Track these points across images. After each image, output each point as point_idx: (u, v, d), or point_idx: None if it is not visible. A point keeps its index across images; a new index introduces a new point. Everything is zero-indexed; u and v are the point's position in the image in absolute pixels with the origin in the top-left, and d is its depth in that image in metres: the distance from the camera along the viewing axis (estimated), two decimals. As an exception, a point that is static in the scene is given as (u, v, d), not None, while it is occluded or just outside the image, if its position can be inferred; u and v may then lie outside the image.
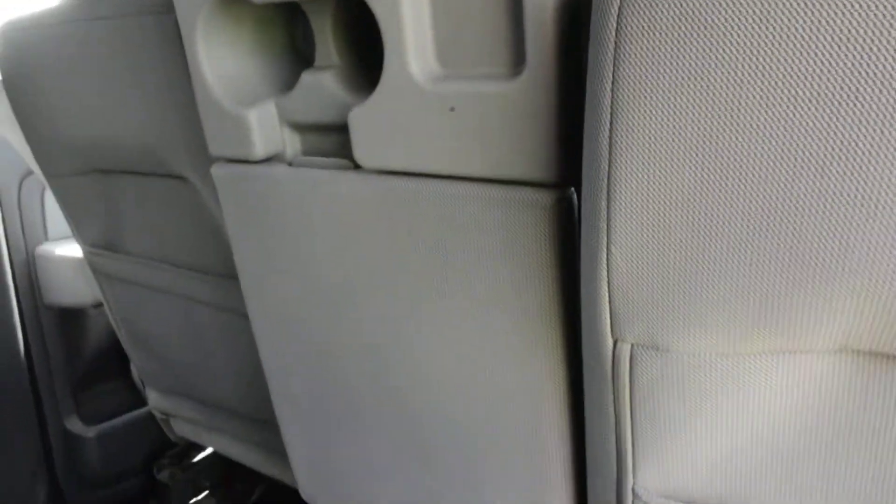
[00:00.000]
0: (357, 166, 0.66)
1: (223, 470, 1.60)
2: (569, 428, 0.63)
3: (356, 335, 0.74)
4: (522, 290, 0.60)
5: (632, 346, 0.50)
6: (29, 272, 1.46)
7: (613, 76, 0.42)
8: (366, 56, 0.69)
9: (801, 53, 0.37)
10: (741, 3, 0.37)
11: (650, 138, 0.42)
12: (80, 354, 1.55)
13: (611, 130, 0.44)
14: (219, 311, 1.11)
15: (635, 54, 0.41)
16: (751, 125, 0.39)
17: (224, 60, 0.72)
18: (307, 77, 0.67)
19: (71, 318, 1.52)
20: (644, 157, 0.43)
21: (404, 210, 0.63)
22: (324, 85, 0.66)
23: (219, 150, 0.75)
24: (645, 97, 0.42)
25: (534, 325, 0.61)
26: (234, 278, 1.03)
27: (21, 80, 1.09)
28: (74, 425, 1.53)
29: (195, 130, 0.87)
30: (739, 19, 0.38)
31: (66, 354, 1.52)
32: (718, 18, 0.38)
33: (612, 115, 0.43)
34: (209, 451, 1.64)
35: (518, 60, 0.55)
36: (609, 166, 0.45)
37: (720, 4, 0.38)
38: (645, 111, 0.42)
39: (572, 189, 0.56)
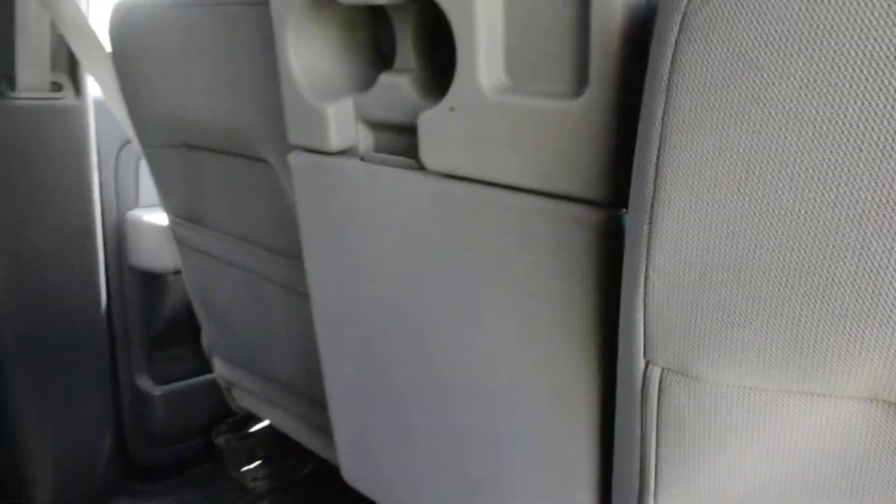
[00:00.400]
0: (422, 167, 0.68)
1: (277, 443, 1.66)
2: (598, 442, 0.64)
3: (406, 328, 0.77)
4: (566, 303, 0.61)
5: (662, 370, 0.50)
6: (118, 234, 1.54)
7: (666, 104, 0.43)
8: (442, 62, 0.71)
9: (849, 102, 0.37)
10: (792, 49, 0.38)
11: (696, 166, 0.43)
12: (156, 317, 1.63)
13: (658, 156, 0.45)
14: (284, 290, 1.16)
15: (687, 85, 0.42)
16: (793, 166, 0.40)
17: (310, 56, 0.75)
18: (385, 78, 0.70)
19: (151, 282, 1.60)
20: (688, 185, 0.44)
21: (461, 214, 0.65)
22: (399, 87, 0.69)
23: (297, 139, 0.79)
24: (694, 127, 0.42)
25: (574, 339, 0.62)
26: (301, 259, 1.08)
27: (127, 55, 1.15)
28: (144, 383, 1.62)
29: (279, 118, 0.91)
30: (789, 64, 0.38)
31: (144, 316, 1.61)
32: (769, 60, 0.39)
33: (661, 141, 0.44)
34: (265, 423, 1.70)
35: (582, 80, 0.56)
36: (654, 190, 0.46)
37: (772, 46, 0.38)
38: (693, 140, 0.43)
39: (624, 211, 0.57)
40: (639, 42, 0.53)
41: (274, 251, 1.13)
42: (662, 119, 0.44)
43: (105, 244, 1.50)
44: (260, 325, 1.26)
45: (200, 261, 1.32)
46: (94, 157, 1.42)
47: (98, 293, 1.49)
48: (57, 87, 1.36)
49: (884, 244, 0.38)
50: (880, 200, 0.37)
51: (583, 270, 0.59)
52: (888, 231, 0.38)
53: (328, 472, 1.60)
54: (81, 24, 1.29)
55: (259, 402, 1.43)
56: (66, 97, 1.36)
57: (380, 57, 0.78)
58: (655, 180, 0.45)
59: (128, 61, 1.16)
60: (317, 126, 0.75)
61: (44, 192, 1.37)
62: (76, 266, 1.45)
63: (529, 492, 0.72)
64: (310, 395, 1.24)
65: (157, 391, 1.62)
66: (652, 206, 0.46)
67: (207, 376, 1.66)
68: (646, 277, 0.48)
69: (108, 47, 1.24)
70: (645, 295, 0.49)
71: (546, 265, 0.61)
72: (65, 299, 1.45)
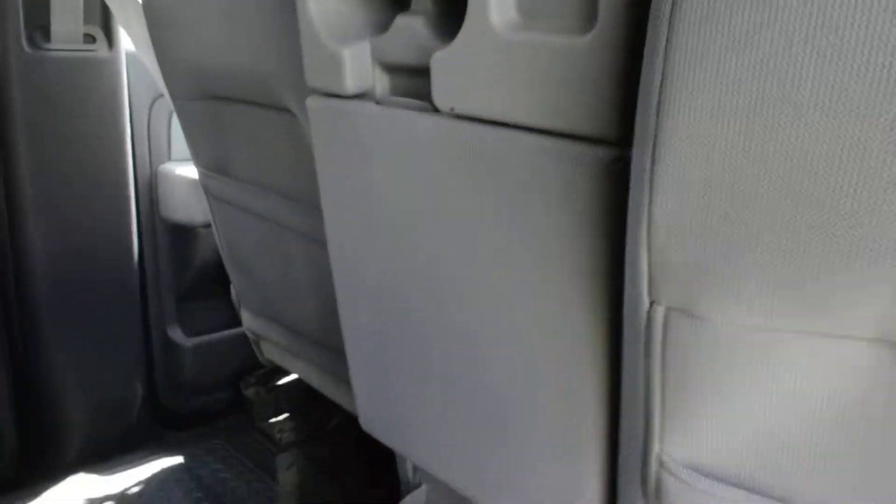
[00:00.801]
0: (436, 110, 0.68)
1: (303, 396, 1.68)
2: (605, 389, 0.64)
3: (420, 272, 0.77)
4: (576, 243, 0.61)
5: (666, 309, 0.50)
6: (150, 187, 1.57)
7: (669, 34, 0.42)
8: (458, 3, 0.71)
9: (853, 26, 0.36)
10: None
11: (698, 98, 0.42)
12: (188, 269, 1.66)
13: (661, 89, 0.44)
14: (305, 240, 1.16)
15: (690, 14, 0.41)
16: (797, 94, 0.38)
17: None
18: (401, 20, 0.69)
19: (183, 235, 1.63)
20: (690, 117, 0.43)
21: (472, 155, 0.65)
22: (414, 28, 0.68)
23: (314, 83, 0.79)
24: (696, 57, 0.41)
25: (582, 280, 0.61)
26: (321, 209, 1.08)
27: (158, 5, 1.16)
28: (175, 333, 1.65)
29: (297, 62, 0.91)
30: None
31: (175, 268, 1.63)
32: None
33: (663, 74, 0.43)
34: (293, 376, 1.73)
35: (591, 16, 0.55)
36: (657, 125, 0.45)
37: None
38: (695, 71, 0.41)
39: (630, 150, 0.56)
40: None
41: (297, 200, 1.14)
42: (665, 50, 0.43)
43: (137, 197, 1.52)
44: (284, 276, 1.28)
45: (228, 213, 1.34)
46: (126, 111, 1.44)
47: (130, 245, 1.52)
48: (90, 38, 1.37)
49: (890, 174, 0.37)
50: (885, 128, 0.36)
51: (591, 210, 0.58)
52: (894, 160, 0.36)
53: (354, 425, 1.62)
54: (112, -25, 1.30)
55: (286, 355, 1.45)
56: (100, 49, 1.37)
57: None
58: (658, 114, 0.44)
59: (158, 12, 1.17)
60: (333, 69, 0.74)
61: (77, 144, 1.39)
62: (109, 218, 1.48)
63: (539, 437, 0.72)
64: (333, 346, 1.26)
65: (188, 342, 1.65)
66: (654, 141, 0.45)
67: (237, 329, 1.69)
68: (649, 214, 0.47)
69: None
70: (648, 232, 0.48)
71: (555, 205, 0.61)
72: (98, 251, 1.48)
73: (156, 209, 1.58)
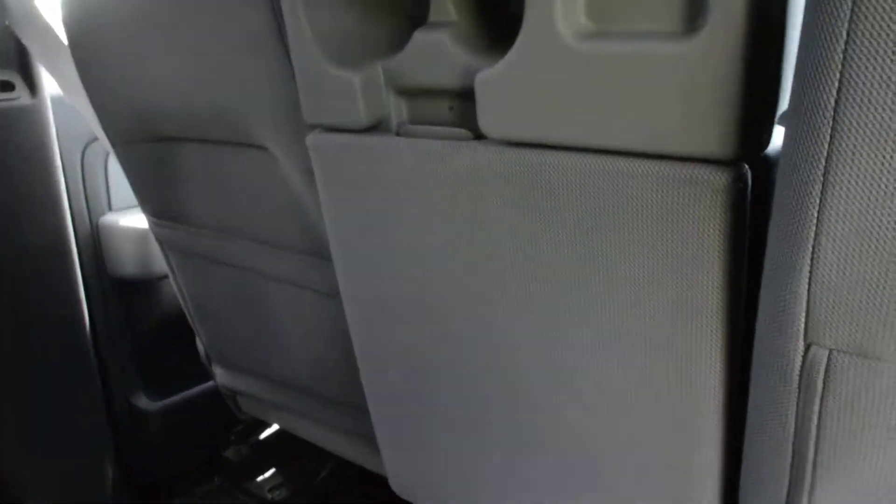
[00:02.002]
0: (478, 136, 0.58)
1: (289, 448, 1.57)
2: (721, 440, 0.56)
3: (473, 324, 0.67)
4: (678, 279, 0.52)
5: (830, 351, 0.42)
6: (93, 244, 1.42)
7: (848, 30, 0.34)
8: (484, 10, 0.61)
9: None
10: None
11: (891, 112, 0.34)
12: (145, 328, 1.52)
13: (837, 101, 0.35)
14: (289, 286, 1.05)
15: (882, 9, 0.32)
16: None
17: (324, 17, 0.64)
18: (420, 36, 0.59)
19: (135, 290, 1.48)
20: (880, 135, 0.34)
21: (539, 186, 0.55)
22: (440, 45, 0.58)
23: (316, 118, 0.68)
24: (888, 57, 0.33)
25: (687, 319, 0.53)
26: (311, 254, 0.97)
27: (88, 43, 1.03)
28: (140, 400, 1.50)
29: (280, 97, 0.80)
30: None
31: (131, 327, 1.49)
32: None
33: (840, 81, 0.35)
34: (275, 427, 1.60)
35: (693, 14, 0.46)
36: (830, 145, 0.36)
37: None
38: (889, 78, 0.33)
39: (746, 167, 0.48)
40: None
41: (278, 246, 1.03)
42: (844, 50, 0.34)
43: (80, 254, 1.37)
44: (263, 327, 1.16)
45: (189, 263, 1.21)
46: (58, 161, 1.29)
47: (79, 308, 1.37)
48: (8, 86, 1.22)
49: None
50: None
51: (697, 239, 0.50)
52: None
53: (347, 471, 1.51)
54: (31, 12, 1.15)
55: (268, 408, 1.33)
56: (21, 97, 1.22)
57: (404, 12, 0.67)
58: (832, 131, 0.36)
59: (89, 50, 1.04)
60: (340, 99, 0.64)
61: (8, 204, 1.24)
62: (53, 281, 1.32)
63: (631, 500, 0.63)
64: (324, 394, 1.15)
65: (155, 406, 1.51)
66: (827, 161, 0.36)
67: (206, 384, 1.55)
68: (815, 246, 0.39)
69: (63, 37, 1.11)
70: (812, 266, 0.39)
71: (651, 236, 0.52)
72: (44, 319, 1.33)
73: (102, 266, 1.43)
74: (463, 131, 0.59)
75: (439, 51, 0.59)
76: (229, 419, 1.47)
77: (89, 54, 1.04)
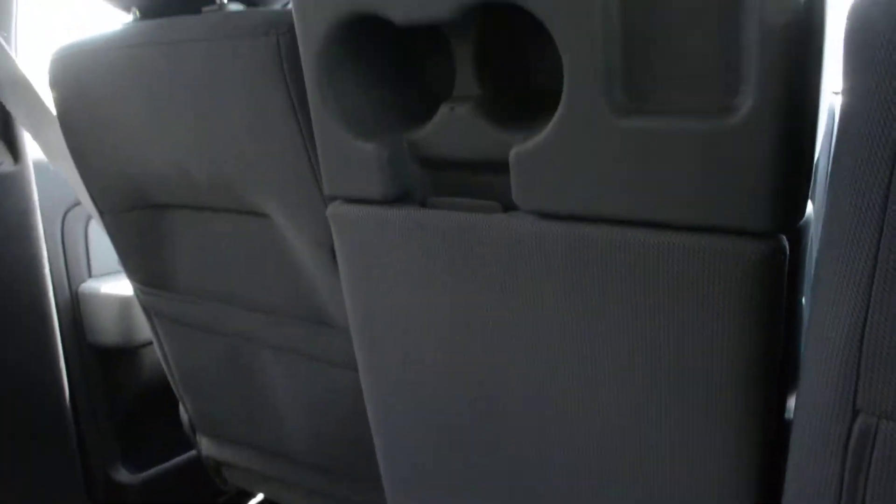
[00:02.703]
0: (507, 208, 0.58)
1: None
2: None
3: (506, 393, 0.66)
4: (717, 345, 0.52)
5: (879, 419, 0.42)
6: (73, 311, 1.38)
7: None
8: (507, 83, 0.62)
9: None
10: None
11: None
12: (126, 397, 1.47)
13: (891, 178, 0.36)
14: (290, 355, 1.03)
15: None
16: None
17: (348, 90, 0.64)
18: (445, 109, 0.60)
19: (115, 358, 1.44)
20: None
21: (574, 259, 0.55)
22: (465, 118, 0.58)
23: (338, 189, 0.67)
24: None
25: (724, 390, 0.53)
26: (312, 321, 0.96)
27: (78, 111, 1.01)
28: (119, 473, 1.45)
29: (288, 167, 0.79)
30: None
31: (111, 397, 1.44)
32: None
33: (893, 160, 0.36)
34: (260, 497, 1.55)
35: (730, 92, 0.47)
36: (883, 223, 0.37)
37: None
38: None
39: (784, 238, 0.48)
40: (808, 34, 0.44)
41: (273, 313, 1.01)
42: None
43: (60, 322, 1.33)
44: (256, 396, 1.13)
45: (178, 331, 1.18)
46: (40, 228, 1.26)
47: (58, 377, 1.33)
48: (-9, 154, 1.20)
49: None
50: None
51: (739, 309, 0.50)
52: None
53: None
54: (17, 78, 1.13)
55: (256, 479, 1.29)
56: (3, 163, 1.20)
57: (426, 84, 0.68)
58: (885, 208, 0.36)
59: (79, 119, 1.02)
60: (363, 171, 0.64)
61: (-12, 273, 1.20)
62: (31, 349, 1.28)
63: None
64: (320, 465, 1.12)
65: (135, 479, 1.45)
66: (880, 239, 0.37)
67: (188, 455, 1.50)
68: (867, 318, 0.39)
69: (50, 103, 1.09)
70: (864, 337, 0.40)
71: (689, 307, 0.52)
72: (22, 387, 1.28)
73: (81, 333, 1.39)
74: (493, 203, 0.59)
75: (464, 124, 0.59)
76: (211, 491, 1.42)
77: (79, 122, 1.03)
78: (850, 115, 0.40)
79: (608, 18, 0.49)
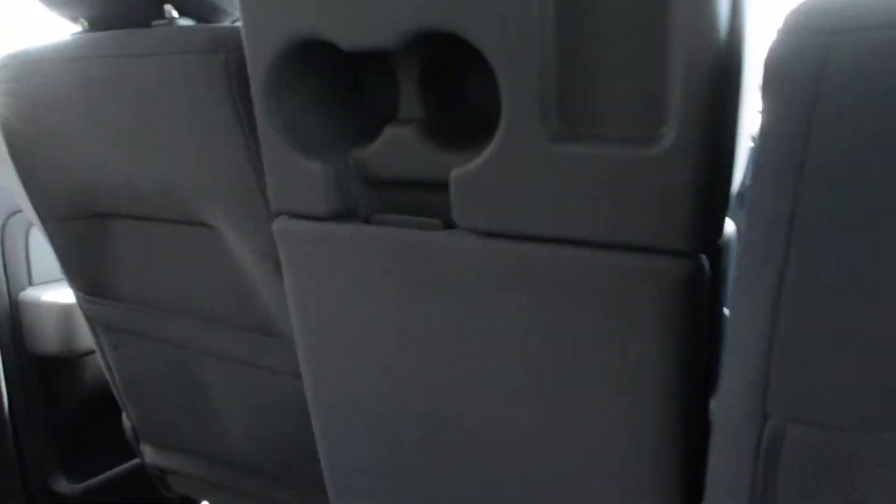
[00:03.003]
0: (449, 226, 0.61)
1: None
2: None
3: (439, 409, 0.69)
4: (641, 358, 0.56)
5: (788, 422, 0.46)
6: (12, 319, 1.36)
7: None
8: (450, 105, 0.65)
9: None
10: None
11: (851, 200, 0.39)
12: (65, 406, 1.45)
13: (796, 195, 0.41)
14: (235, 364, 1.05)
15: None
16: None
17: (295, 108, 0.67)
18: (390, 131, 0.63)
19: (55, 367, 1.43)
20: (838, 228, 0.40)
21: (510, 275, 0.59)
22: (409, 140, 0.62)
23: (284, 205, 0.69)
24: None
25: (649, 402, 0.57)
26: (256, 331, 0.97)
27: (21, 119, 1.01)
28: (59, 483, 1.43)
29: (234, 179, 0.81)
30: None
31: (50, 406, 1.43)
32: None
33: (802, 167, 0.40)
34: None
35: (656, 122, 0.51)
36: (789, 231, 0.41)
37: None
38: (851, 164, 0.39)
39: (703, 257, 0.53)
40: (727, 72, 0.49)
41: (217, 322, 1.02)
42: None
43: (-1, 331, 1.32)
44: (201, 404, 1.14)
45: (120, 339, 1.18)
46: (-21, 235, 1.25)
47: (-4, 388, 1.31)
48: (-72, 159, 1.18)
49: None
50: None
51: (661, 323, 0.54)
52: None
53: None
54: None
55: (200, 486, 1.29)
56: (-59, 170, 1.18)
57: (371, 104, 0.70)
58: (792, 215, 0.41)
59: (20, 126, 1.02)
60: (309, 188, 0.66)
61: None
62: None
63: None
64: (267, 471, 1.13)
65: (75, 489, 1.44)
66: (786, 247, 0.42)
67: (130, 464, 1.50)
68: (773, 329, 0.44)
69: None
70: (770, 346, 0.44)
71: (615, 321, 0.56)
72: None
73: (19, 342, 1.38)
74: (434, 221, 0.63)
75: (408, 145, 0.62)
76: (155, 499, 1.41)
77: (22, 131, 1.02)
78: (763, 136, 0.44)
79: (543, 50, 0.53)
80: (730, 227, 0.59)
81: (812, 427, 0.46)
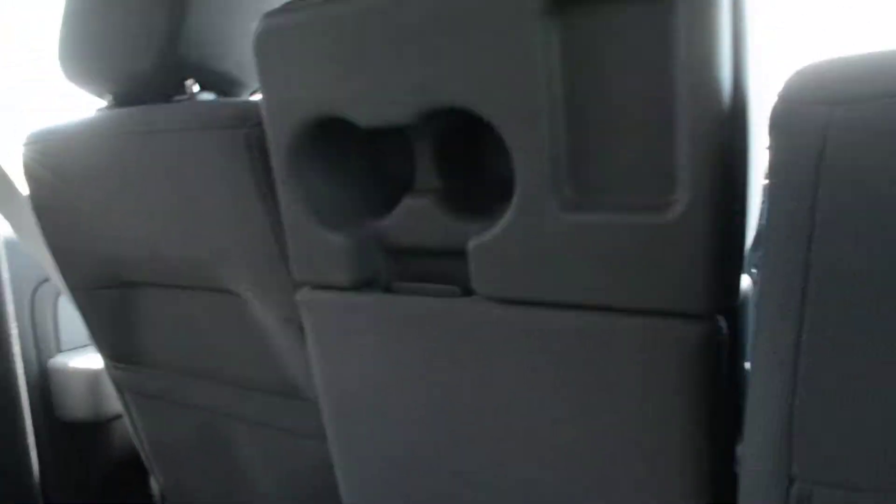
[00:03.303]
0: (467, 293, 0.63)
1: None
2: None
3: (465, 471, 0.69)
4: (663, 419, 0.56)
5: (813, 485, 0.46)
6: (42, 386, 1.38)
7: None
8: (468, 173, 0.66)
9: None
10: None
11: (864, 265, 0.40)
12: (95, 470, 1.47)
13: (808, 258, 0.41)
14: (259, 427, 1.05)
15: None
16: None
17: (315, 182, 0.68)
18: (408, 202, 0.64)
19: (85, 433, 1.44)
20: (848, 296, 0.40)
21: (530, 340, 0.60)
22: (427, 210, 0.63)
23: (306, 276, 0.71)
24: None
25: (672, 459, 0.57)
26: (283, 395, 0.98)
27: (50, 192, 1.04)
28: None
29: (258, 248, 0.83)
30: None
31: (81, 471, 1.44)
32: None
33: (811, 233, 0.41)
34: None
35: (668, 188, 0.52)
36: (804, 305, 0.42)
37: None
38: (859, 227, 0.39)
39: (721, 318, 0.53)
40: (733, 137, 0.50)
41: (245, 386, 1.03)
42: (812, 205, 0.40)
43: (30, 398, 1.33)
44: (229, 467, 1.14)
45: (149, 405, 1.20)
46: (10, 305, 1.27)
47: (27, 455, 1.32)
48: (-39, 233, 1.22)
49: None
50: None
51: (682, 386, 0.55)
52: None
53: None
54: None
55: None
56: (-27, 242, 1.22)
57: (390, 174, 0.72)
58: (805, 278, 0.41)
59: (49, 199, 1.05)
60: (330, 259, 0.68)
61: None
62: (1, 427, 1.28)
63: None
64: None
65: (106, 555, 1.44)
66: (802, 318, 0.42)
67: (158, 527, 1.50)
68: (793, 394, 0.44)
69: (20, 183, 1.12)
70: (791, 411, 0.45)
71: (636, 385, 0.56)
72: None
73: (50, 409, 1.39)
74: (453, 288, 0.64)
75: (425, 216, 0.64)
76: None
77: (51, 204, 1.05)
78: (772, 199, 0.45)
79: (553, 122, 0.55)
80: (747, 282, 0.60)
81: (837, 489, 0.46)
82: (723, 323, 0.55)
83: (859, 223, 0.41)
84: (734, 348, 0.57)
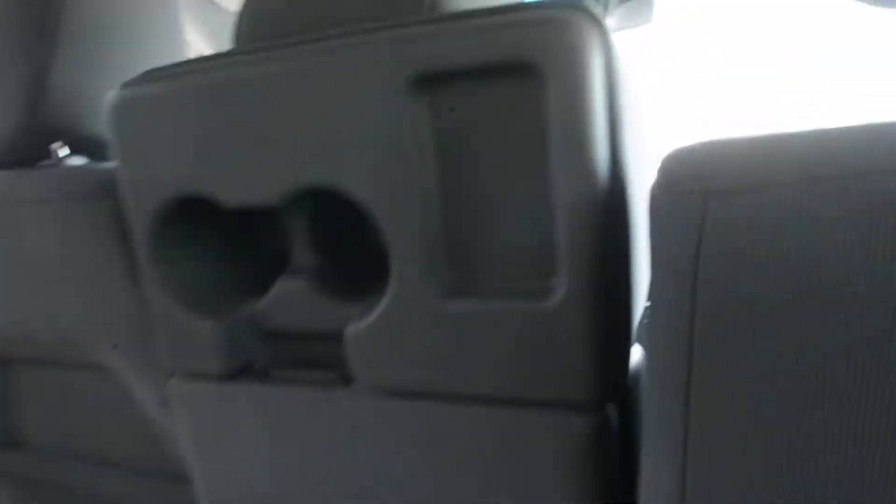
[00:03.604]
0: (347, 380, 0.58)
1: None
2: None
3: None
4: None
5: None
6: None
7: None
8: (345, 253, 0.62)
9: None
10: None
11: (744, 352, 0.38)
12: None
13: (691, 347, 0.39)
14: None
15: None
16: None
17: (181, 264, 0.63)
18: (284, 283, 0.59)
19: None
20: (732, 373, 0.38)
21: (405, 432, 0.56)
22: (302, 293, 0.59)
23: (175, 364, 0.65)
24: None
25: None
26: (164, 477, 0.91)
27: None
28: None
29: (130, 325, 0.76)
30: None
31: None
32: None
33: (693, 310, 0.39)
34: None
35: (547, 275, 0.49)
36: (688, 397, 0.39)
37: None
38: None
39: (611, 406, 0.51)
40: (613, 219, 0.47)
41: (124, 466, 0.96)
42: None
43: None
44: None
45: (21, 490, 1.10)
46: None
47: None
48: None
49: None
50: None
51: (571, 476, 0.52)
52: None
53: None
54: None
55: None
56: None
57: (265, 255, 0.67)
58: (690, 361, 0.39)
59: None
60: (200, 347, 0.62)
61: None
62: None
63: None
64: None
65: None
66: (686, 395, 0.40)
67: None
68: (684, 488, 0.42)
69: None
70: (682, 493, 0.42)
71: (521, 478, 0.53)
72: None
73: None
74: (332, 376, 0.59)
75: (301, 298, 0.59)
76: None
77: None
78: (654, 283, 0.42)
79: (427, 204, 0.51)
80: (638, 359, 0.58)
81: None
82: (612, 411, 0.52)
83: (736, 318, 0.38)
84: (626, 434, 0.55)
